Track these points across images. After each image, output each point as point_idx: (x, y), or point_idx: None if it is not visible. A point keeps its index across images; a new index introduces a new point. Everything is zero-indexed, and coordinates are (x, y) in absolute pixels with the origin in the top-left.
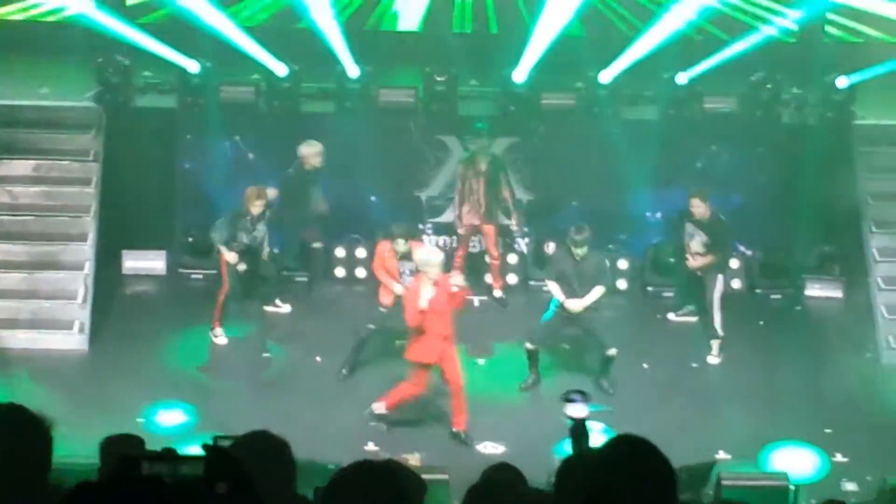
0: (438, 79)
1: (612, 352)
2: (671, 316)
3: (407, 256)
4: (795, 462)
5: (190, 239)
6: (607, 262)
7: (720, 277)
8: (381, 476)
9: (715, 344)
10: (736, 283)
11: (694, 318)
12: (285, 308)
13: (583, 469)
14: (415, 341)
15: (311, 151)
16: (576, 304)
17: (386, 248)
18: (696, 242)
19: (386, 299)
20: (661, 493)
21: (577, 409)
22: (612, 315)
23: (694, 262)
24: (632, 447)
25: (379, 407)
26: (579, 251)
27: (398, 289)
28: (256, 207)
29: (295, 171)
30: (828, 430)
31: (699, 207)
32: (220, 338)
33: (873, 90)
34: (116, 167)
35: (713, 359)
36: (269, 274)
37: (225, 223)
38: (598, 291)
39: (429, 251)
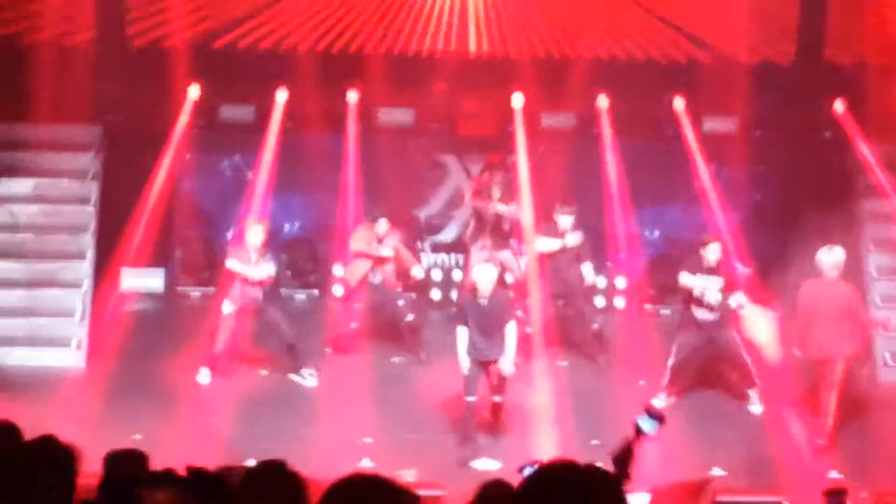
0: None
1: (596, 327)
2: None
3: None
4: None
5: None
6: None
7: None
8: (373, 490)
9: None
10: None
11: None
12: (310, 381)
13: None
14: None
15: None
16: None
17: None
18: (712, 291)
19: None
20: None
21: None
22: (609, 332)
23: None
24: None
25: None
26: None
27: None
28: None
29: None
30: (820, 442)
31: (715, 253)
32: (204, 377)
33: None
34: (115, 186)
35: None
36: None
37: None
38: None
39: None
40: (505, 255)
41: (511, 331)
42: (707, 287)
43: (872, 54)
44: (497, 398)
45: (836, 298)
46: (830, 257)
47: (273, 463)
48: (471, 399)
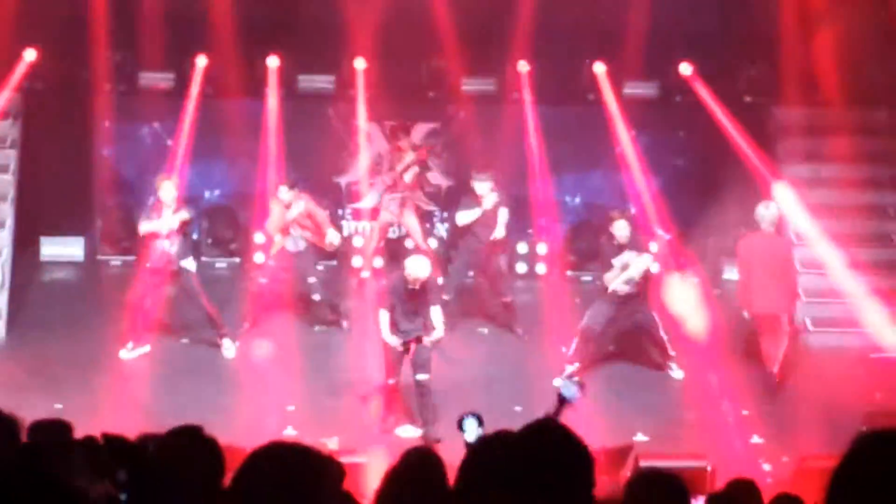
0: (359, 66)
1: (508, 299)
2: None
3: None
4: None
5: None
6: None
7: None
8: (294, 457)
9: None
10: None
11: None
12: (229, 351)
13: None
14: None
15: None
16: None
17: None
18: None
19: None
20: (579, 477)
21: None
22: (530, 299)
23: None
24: (549, 433)
25: None
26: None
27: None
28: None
29: None
30: (745, 412)
31: (624, 230)
32: (131, 351)
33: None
34: (35, 154)
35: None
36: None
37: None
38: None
39: None
40: (410, 220)
41: (437, 312)
42: (628, 266)
43: (791, 20)
44: (421, 376)
45: (774, 252)
46: (768, 212)
47: (189, 428)
48: (392, 381)
